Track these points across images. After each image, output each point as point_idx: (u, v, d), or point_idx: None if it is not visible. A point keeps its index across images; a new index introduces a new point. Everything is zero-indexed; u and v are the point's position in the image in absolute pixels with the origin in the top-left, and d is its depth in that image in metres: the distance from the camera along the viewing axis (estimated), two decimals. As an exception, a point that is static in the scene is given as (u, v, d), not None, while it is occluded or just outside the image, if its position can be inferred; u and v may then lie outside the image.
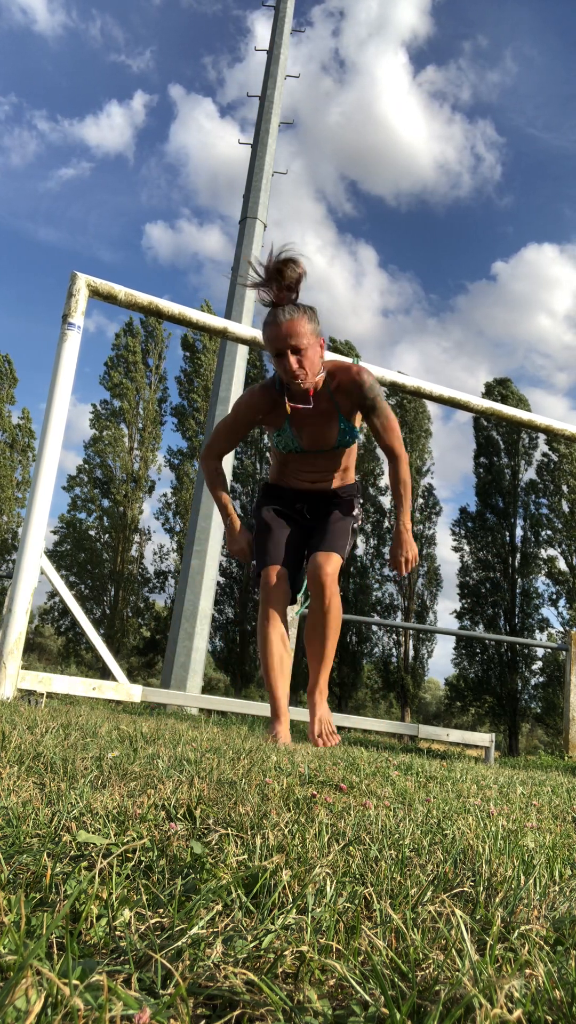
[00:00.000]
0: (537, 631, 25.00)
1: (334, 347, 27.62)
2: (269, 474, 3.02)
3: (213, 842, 0.79)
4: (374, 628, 25.72)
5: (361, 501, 3.00)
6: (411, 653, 26.22)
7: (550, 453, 26.40)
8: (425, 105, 57.26)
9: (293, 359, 2.55)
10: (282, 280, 2.52)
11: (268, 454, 3.16)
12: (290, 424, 2.74)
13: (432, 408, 28.89)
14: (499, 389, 27.49)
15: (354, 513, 2.92)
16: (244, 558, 2.89)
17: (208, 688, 26.99)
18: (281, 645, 2.69)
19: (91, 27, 59.51)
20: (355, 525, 2.92)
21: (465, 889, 0.72)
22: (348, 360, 3.03)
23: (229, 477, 13.92)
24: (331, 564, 2.70)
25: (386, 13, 51.79)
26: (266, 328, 2.59)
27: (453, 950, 0.53)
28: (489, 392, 27.61)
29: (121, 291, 4.04)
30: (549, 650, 22.17)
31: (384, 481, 28.07)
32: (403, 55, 53.87)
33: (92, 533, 26.93)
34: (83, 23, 59.68)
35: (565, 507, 25.66)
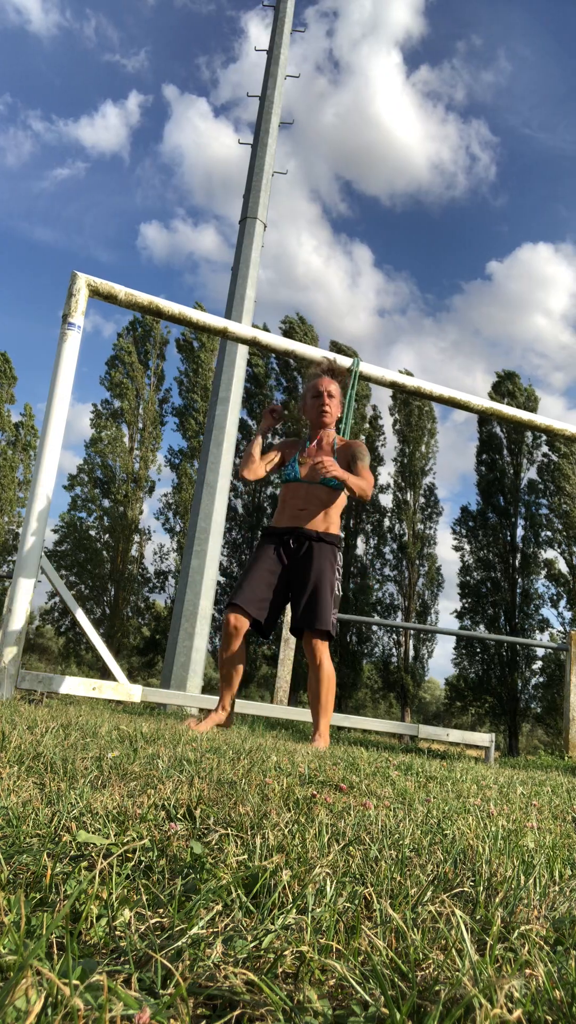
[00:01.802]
0: (537, 631, 25.00)
1: (337, 347, 27.62)
2: (274, 517, 3.69)
3: (213, 842, 0.79)
4: (374, 628, 25.72)
5: (340, 557, 3.53)
6: (411, 653, 26.22)
7: (550, 453, 26.40)
8: (419, 105, 57.26)
9: (326, 400, 3.62)
10: (334, 369, 3.76)
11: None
12: (298, 457, 3.60)
13: (434, 407, 28.88)
14: (507, 384, 27.48)
15: (337, 568, 3.48)
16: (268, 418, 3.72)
17: (208, 688, 26.99)
18: (232, 669, 3.41)
19: (85, 27, 59.54)
20: (337, 576, 3.46)
21: (465, 889, 0.72)
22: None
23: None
24: (324, 647, 3.35)
25: (379, 13, 51.77)
26: (316, 378, 3.72)
27: (453, 950, 0.53)
28: (499, 386, 27.61)
29: (121, 291, 4.03)
30: (549, 650, 22.17)
31: (384, 480, 28.09)
32: (397, 55, 53.89)
33: (92, 533, 26.93)
34: (77, 23, 59.73)
35: (565, 508, 25.65)
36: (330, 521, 3.51)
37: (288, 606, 3.68)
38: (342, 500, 3.55)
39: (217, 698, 3.79)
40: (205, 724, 3.29)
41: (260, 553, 3.47)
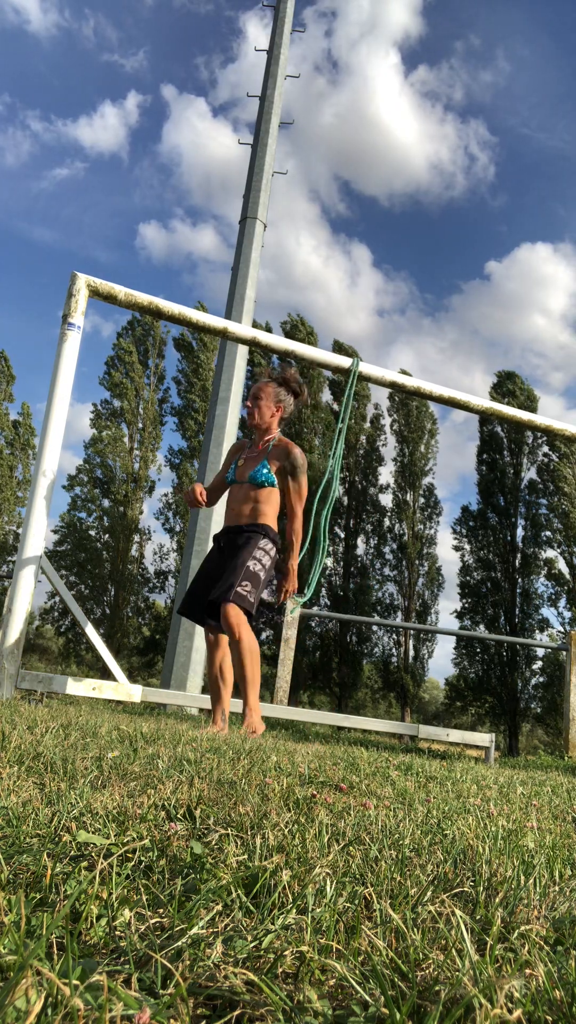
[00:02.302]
0: (537, 631, 25.00)
1: (339, 348, 27.62)
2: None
3: (213, 842, 0.79)
4: (374, 628, 25.72)
5: (268, 542, 3.53)
6: (411, 653, 26.22)
7: (551, 453, 26.40)
8: (418, 105, 57.25)
9: (251, 402, 3.74)
10: (280, 378, 3.81)
11: None
12: (238, 460, 3.73)
13: (432, 406, 28.87)
14: (507, 384, 27.49)
15: (258, 549, 3.46)
16: (189, 500, 3.66)
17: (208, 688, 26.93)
18: (216, 677, 3.50)
19: (84, 27, 59.53)
20: (258, 555, 3.45)
21: (465, 889, 0.72)
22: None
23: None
24: (240, 619, 3.33)
25: (377, 13, 51.70)
26: (256, 382, 3.84)
27: (453, 950, 0.53)
28: (499, 385, 27.61)
29: (121, 291, 4.03)
30: (549, 650, 22.17)
31: (383, 480, 28.12)
32: (395, 55, 53.86)
33: (92, 533, 26.93)
34: (76, 23, 59.71)
35: (564, 508, 25.64)
36: (258, 512, 3.56)
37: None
38: (274, 496, 3.60)
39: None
40: (219, 725, 3.38)
41: (207, 560, 3.65)
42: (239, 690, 3.41)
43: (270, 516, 3.59)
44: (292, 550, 3.64)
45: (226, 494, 3.74)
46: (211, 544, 14.26)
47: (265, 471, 3.59)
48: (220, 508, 13.21)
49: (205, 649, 12.60)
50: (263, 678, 26.41)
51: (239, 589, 3.30)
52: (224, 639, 3.44)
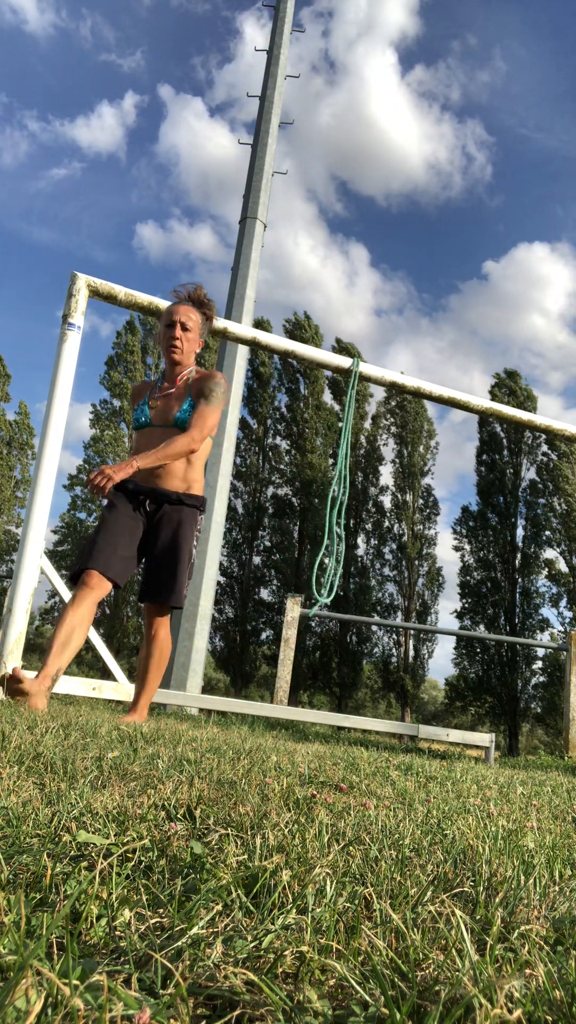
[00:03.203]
0: (538, 631, 25.00)
1: (340, 347, 27.62)
2: None
3: (213, 842, 0.79)
4: (374, 628, 25.72)
5: (201, 517, 3.17)
6: (411, 653, 26.22)
7: (549, 452, 26.40)
8: (415, 105, 57.30)
9: (178, 330, 3.17)
10: (197, 299, 3.30)
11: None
12: (148, 399, 3.18)
13: (429, 408, 28.87)
14: (509, 383, 27.49)
15: (196, 532, 3.11)
16: (93, 487, 2.82)
17: (208, 688, 27.01)
18: (75, 628, 2.82)
19: (81, 27, 59.58)
20: (194, 541, 3.11)
21: (465, 889, 0.72)
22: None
23: (227, 475, 13.91)
24: (167, 620, 3.10)
25: (374, 13, 51.73)
26: (170, 306, 3.24)
27: (453, 950, 0.53)
28: (500, 385, 27.61)
29: (121, 291, 4.04)
30: (549, 650, 22.17)
31: (384, 480, 28.12)
32: (392, 55, 53.92)
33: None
34: (73, 23, 59.75)
35: (563, 507, 25.64)
36: (192, 478, 3.11)
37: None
38: (205, 449, 3.15)
39: (213, 697, 3.77)
40: (37, 687, 2.69)
41: (116, 509, 3.01)
42: (137, 688, 3.10)
43: (202, 480, 3.17)
44: (149, 455, 2.91)
45: (134, 440, 3.19)
46: (218, 540, 14.07)
47: (190, 409, 3.09)
48: (220, 508, 13.20)
49: (206, 648, 12.57)
50: (263, 678, 26.44)
51: (185, 591, 3.04)
52: (103, 591, 2.90)
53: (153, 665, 3.07)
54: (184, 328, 3.16)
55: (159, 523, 3.04)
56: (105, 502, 3.08)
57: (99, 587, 2.88)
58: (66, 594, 3.86)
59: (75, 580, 2.92)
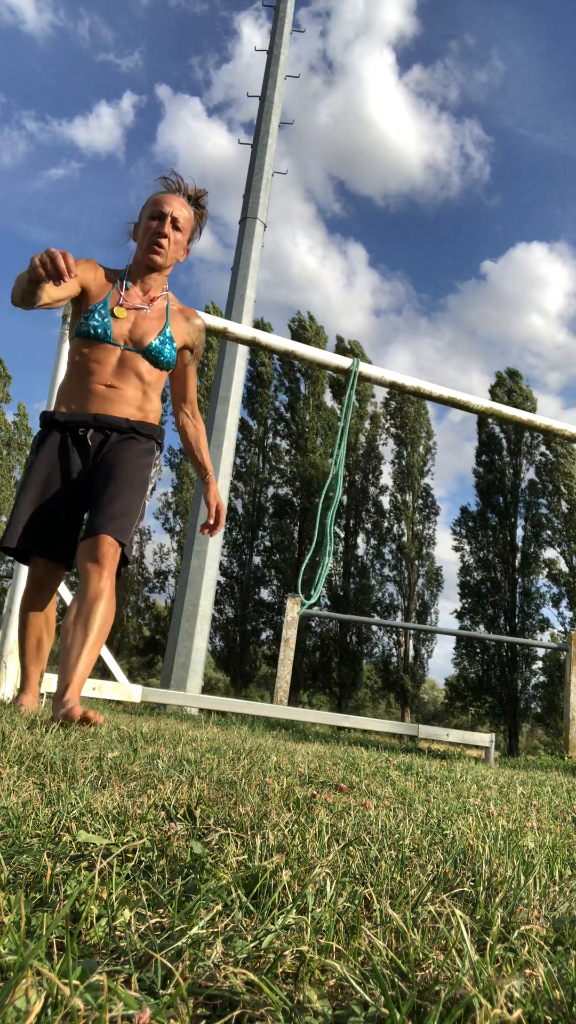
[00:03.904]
0: (538, 631, 25.00)
1: (340, 347, 27.62)
2: (57, 395, 2.52)
3: (213, 842, 0.79)
4: (374, 628, 25.72)
5: (160, 456, 2.57)
6: (411, 653, 26.22)
7: (548, 453, 26.41)
8: (412, 105, 57.34)
9: (168, 226, 2.52)
10: (194, 195, 2.65)
11: (66, 365, 2.67)
12: (109, 303, 2.47)
13: (428, 408, 28.87)
14: (509, 382, 27.50)
15: (152, 467, 2.49)
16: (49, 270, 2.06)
17: (208, 688, 27.01)
18: (41, 629, 2.47)
19: (79, 27, 59.65)
20: (150, 485, 2.49)
21: (465, 889, 0.72)
22: None
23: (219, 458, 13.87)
24: (112, 567, 2.25)
25: (372, 13, 51.79)
26: (158, 195, 2.58)
27: (453, 950, 0.53)
28: (500, 385, 27.63)
29: (121, 291, 4.04)
30: (549, 650, 22.17)
31: (384, 480, 28.09)
32: (390, 55, 53.93)
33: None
34: (71, 22, 59.82)
35: (564, 507, 25.65)
36: (149, 408, 2.50)
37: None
38: (161, 379, 2.56)
39: (213, 697, 3.70)
40: (29, 703, 2.49)
41: (42, 462, 2.40)
42: (70, 663, 2.12)
43: (159, 411, 2.59)
44: (209, 469, 2.65)
45: (76, 355, 2.47)
46: (219, 540, 14.08)
47: (171, 347, 2.51)
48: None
49: (206, 648, 12.54)
50: (263, 678, 26.45)
51: (133, 531, 2.34)
52: (57, 579, 2.44)
53: (95, 630, 2.15)
54: (175, 225, 2.54)
55: (104, 457, 2.40)
56: (25, 470, 2.46)
57: (53, 578, 2.44)
58: (66, 595, 3.86)
59: (15, 555, 2.42)
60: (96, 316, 2.45)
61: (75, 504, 2.41)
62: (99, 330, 2.44)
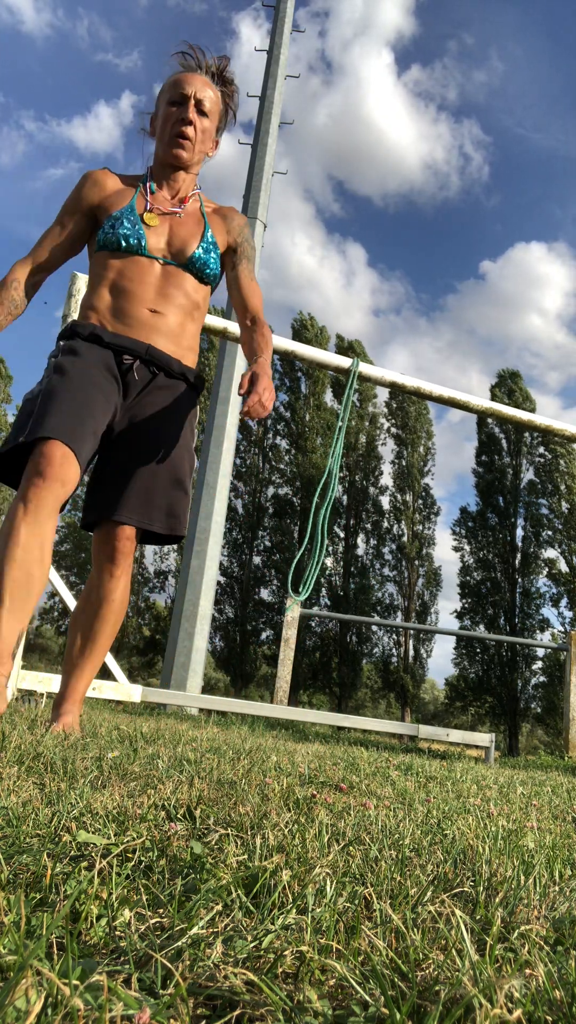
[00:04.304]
0: (538, 631, 25.01)
1: (340, 347, 27.63)
2: (83, 309, 2.04)
3: (213, 842, 0.79)
4: (374, 628, 25.72)
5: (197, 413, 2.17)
6: (411, 653, 26.23)
7: (546, 453, 26.43)
8: (411, 105, 57.35)
9: (192, 111, 2.08)
10: (219, 72, 2.19)
11: (89, 280, 2.07)
12: (135, 207, 2.05)
13: (428, 408, 28.88)
14: (509, 383, 27.53)
15: (192, 433, 2.10)
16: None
17: (208, 688, 27.02)
18: (33, 562, 1.68)
19: (78, 26, 59.62)
20: (191, 448, 2.10)
21: (465, 889, 0.72)
22: None
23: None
24: (129, 569, 2.02)
25: (370, 13, 51.92)
26: (176, 75, 2.13)
27: (453, 950, 0.53)
28: (501, 383, 27.66)
29: (121, 291, 4.04)
30: (549, 650, 22.17)
31: (384, 480, 28.09)
32: (388, 55, 53.99)
33: (92, 533, 26.92)
34: (70, 22, 59.80)
35: (564, 507, 25.66)
36: (194, 343, 2.12)
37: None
38: (206, 301, 2.16)
39: (213, 697, 3.61)
40: None
41: (83, 365, 1.88)
42: (77, 667, 2.00)
43: (198, 348, 2.18)
44: (265, 355, 2.02)
45: (105, 270, 2.01)
46: (218, 540, 14.08)
47: (215, 256, 2.10)
48: (220, 508, 13.18)
49: (206, 648, 12.54)
50: (263, 678, 26.46)
51: (184, 518, 2.02)
52: (71, 484, 1.76)
53: (110, 629, 2.00)
54: (200, 109, 2.09)
55: (148, 401, 1.99)
56: (55, 361, 1.91)
57: (65, 474, 1.72)
58: (66, 595, 3.85)
59: (20, 470, 1.78)
60: (125, 223, 2.01)
61: (106, 419, 1.91)
62: (132, 240, 2.00)
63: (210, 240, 2.11)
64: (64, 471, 1.74)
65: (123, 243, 2.01)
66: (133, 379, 1.99)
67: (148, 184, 2.13)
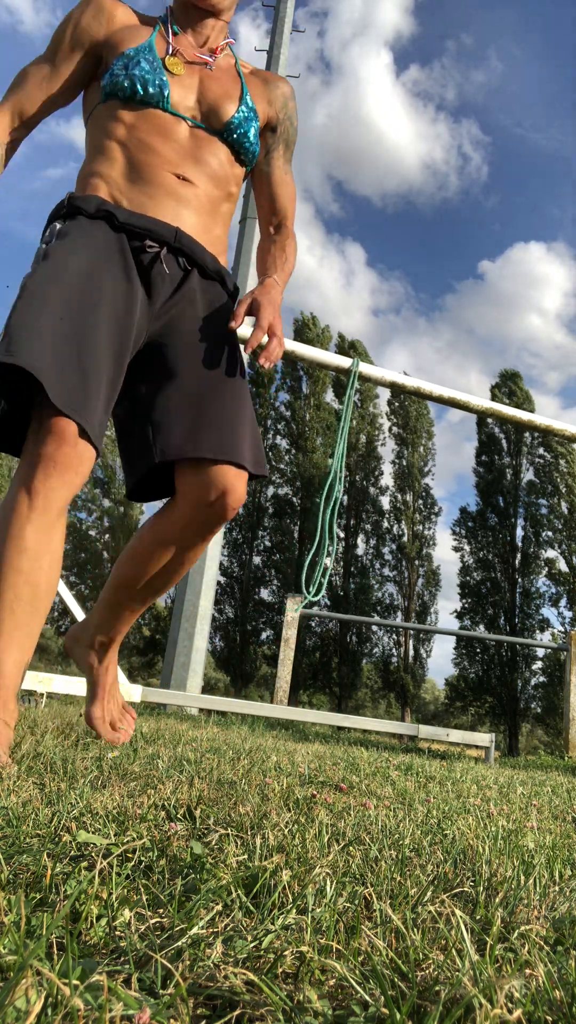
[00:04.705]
0: (538, 631, 25.01)
1: (341, 346, 27.63)
2: (83, 177, 1.55)
3: (213, 842, 0.79)
4: (374, 628, 25.71)
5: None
6: (411, 653, 26.23)
7: (546, 454, 26.44)
8: (410, 105, 57.33)
9: None
10: None
11: (89, 133, 1.51)
12: (154, 49, 1.56)
13: (429, 408, 28.89)
14: (509, 384, 27.55)
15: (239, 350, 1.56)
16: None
17: (208, 688, 27.02)
18: (45, 574, 1.32)
19: (78, 27, 59.65)
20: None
21: (465, 889, 0.72)
22: None
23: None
24: (239, 490, 1.45)
25: (369, 13, 51.92)
26: None
27: (453, 950, 0.53)
28: (501, 383, 27.67)
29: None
30: (549, 650, 22.17)
31: (384, 480, 28.09)
32: (387, 55, 53.98)
33: (92, 533, 26.95)
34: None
35: (564, 508, 25.67)
36: (222, 237, 1.64)
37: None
38: (238, 182, 1.66)
39: (213, 697, 3.59)
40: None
41: (77, 256, 1.39)
42: (117, 608, 1.62)
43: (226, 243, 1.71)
44: (279, 274, 1.66)
45: (113, 126, 1.53)
46: (218, 540, 14.08)
47: (255, 127, 1.64)
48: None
49: (206, 648, 12.56)
50: (263, 678, 26.46)
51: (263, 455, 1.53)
52: (86, 463, 1.34)
53: (164, 589, 1.59)
54: None
55: (184, 309, 1.51)
56: (51, 244, 1.43)
57: (81, 457, 1.32)
58: (66, 594, 3.84)
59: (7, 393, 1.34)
60: (142, 63, 1.52)
61: (117, 350, 1.39)
62: (152, 86, 1.52)
63: (250, 105, 1.64)
64: (79, 453, 1.31)
65: (140, 89, 1.52)
66: (161, 274, 1.49)
67: (168, 25, 1.62)
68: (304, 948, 0.50)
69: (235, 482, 1.45)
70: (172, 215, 1.51)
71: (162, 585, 1.60)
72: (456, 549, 26.82)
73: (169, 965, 0.45)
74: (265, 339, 1.49)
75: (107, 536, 26.80)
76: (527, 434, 26.39)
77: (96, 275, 1.40)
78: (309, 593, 3.71)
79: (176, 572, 1.58)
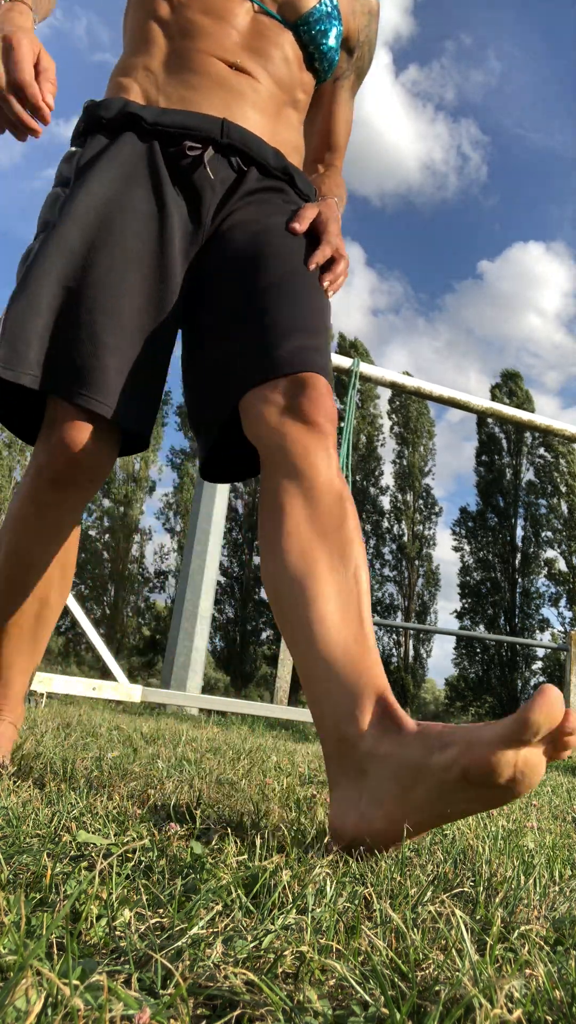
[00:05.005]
0: (538, 631, 25.02)
1: (342, 346, 27.65)
2: (111, 80, 1.26)
3: (213, 842, 0.79)
4: (374, 628, 25.73)
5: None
6: (411, 653, 26.23)
7: (546, 454, 26.44)
8: (409, 105, 57.31)
9: None
10: None
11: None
12: None
13: (429, 408, 28.90)
14: (510, 383, 27.57)
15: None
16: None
17: (208, 688, 27.02)
18: (49, 587, 1.21)
19: (76, 27, 59.61)
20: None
21: (465, 889, 0.72)
22: None
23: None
24: (326, 397, 1.06)
25: (369, 13, 51.79)
26: None
27: (453, 950, 0.53)
28: (502, 383, 27.69)
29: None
30: (549, 650, 22.18)
31: (385, 481, 28.11)
32: (386, 55, 53.96)
33: (92, 533, 26.95)
34: (68, 22, 59.79)
35: (564, 508, 25.67)
36: (292, 134, 1.30)
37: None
38: (307, 93, 1.34)
39: (213, 697, 3.58)
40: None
41: (88, 200, 1.08)
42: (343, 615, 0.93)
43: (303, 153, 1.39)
44: (338, 197, 1.39)
45: (155, 7, 1.21)
46: (218, 540, 14.17)
47: (338, 31, 1.30)
48: (220, 508, 13.20)
49: (206, 648, 12.55)
50: (263, 678, 26.48)
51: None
52: (106, 458, 1.11)
53: (348, 579, 0.95)
54: None
55: (245, 216, 1.19)
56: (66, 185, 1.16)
57: (100, 463, 1.11)
58: (71, 601, 3.83)
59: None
60: None
61: (149, 311, 1.12)
62: None
63: (335, 2, 1.29)
64: (99, 459, 1.10)
65: None
66: (206, 180, 1.17)
67: None
68: (304, 948, 0.50)
69: (322, 387, 1.07)
70: (222, 108, 1.19)
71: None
72: (456, 549, 26.85)
73: (169, 965, 0.45)
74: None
75: (107, 536, 26.81)
76: (527, 434, 26.40)
77: (109, 223, 1.10)
78: None
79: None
